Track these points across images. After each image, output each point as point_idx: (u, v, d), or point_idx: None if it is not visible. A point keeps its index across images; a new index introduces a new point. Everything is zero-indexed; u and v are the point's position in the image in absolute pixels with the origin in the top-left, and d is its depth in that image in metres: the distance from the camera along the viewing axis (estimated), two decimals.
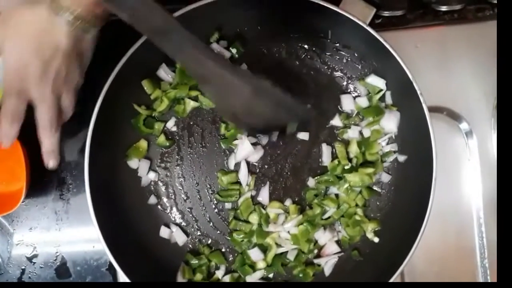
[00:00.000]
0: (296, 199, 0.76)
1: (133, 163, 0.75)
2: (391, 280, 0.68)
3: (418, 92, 0.66)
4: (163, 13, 0.53)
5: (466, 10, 0.80)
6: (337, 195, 0.75)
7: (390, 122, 0.73)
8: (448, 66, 0.79)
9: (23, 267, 0.78)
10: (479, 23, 0.80)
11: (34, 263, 0.78)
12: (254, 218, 0.74)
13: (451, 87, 0.79)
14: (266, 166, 0.76)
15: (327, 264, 0.75)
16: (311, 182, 0.75)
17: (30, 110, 0.77)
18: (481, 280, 0.78)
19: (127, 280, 0.66)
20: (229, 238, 0.75)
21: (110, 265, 0.78)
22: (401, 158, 0.75)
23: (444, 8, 0.79)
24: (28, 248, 0.79)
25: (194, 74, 0.61)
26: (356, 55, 0.75)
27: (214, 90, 0.60)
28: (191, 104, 0.75)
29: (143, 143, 0.75)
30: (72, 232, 0.79)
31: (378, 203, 0.76)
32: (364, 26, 0.66)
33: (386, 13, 0.78)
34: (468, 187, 0.79)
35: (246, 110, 0.60)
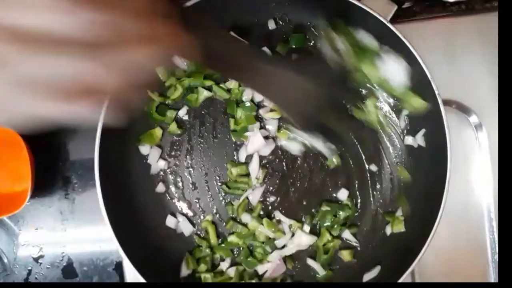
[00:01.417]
0: (308, 203, 0.75)
1: (144, 149, 0.74)
2: (403, 278, 0.66)
3: (436, 93, 0.65)
4: None
5: (474, 1, 0.79)
6: None
7: (396, 71, 0.70)
8: (456, 58, 0.78)
9: (29, 268, 0.78)
10: (487, 14, 0.78)
11: (41, 263, 0.78)
12: (247, 219, 0.73)
13: (460, 80, 0.77)
14: (277, 160, 0.75)
15: None
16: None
17: None
18: (492, 275, 0.77)
19: (134, 279, 0.66)
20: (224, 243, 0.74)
21: (117, 265, 0.78)
22: (409, 140, 0.74)
23: (451, 0, 0.78)
24: (34, 248, 0.78)
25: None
26: None
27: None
28: (204, 94, 0.74)
29: (158, 131, 0.74)
30: (78, 232, 0.78)
31: (391, 198, 0.75)
32: (385, 22, 0.65)
33: None
34: (478, 181, 0.78)
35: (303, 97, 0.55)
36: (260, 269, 0.73)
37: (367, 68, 0.71)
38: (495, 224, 0.76)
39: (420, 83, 0.67)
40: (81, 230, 0.78)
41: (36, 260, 0.78)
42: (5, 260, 0.78)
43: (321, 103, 0.58)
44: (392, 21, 0.76)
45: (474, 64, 0.78)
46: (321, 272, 0.74)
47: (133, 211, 0.72)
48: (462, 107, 0.77)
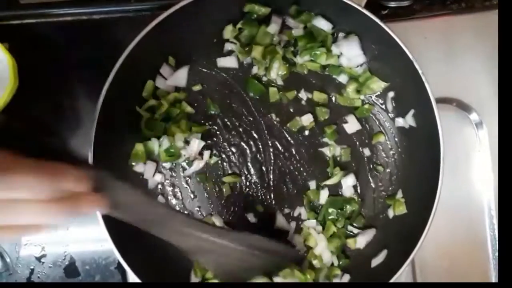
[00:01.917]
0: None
1: (138, 167, 0.74)
2: (400, 270, 0.67)
3: (420, 72, 0.65)
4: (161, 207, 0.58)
5: None
6: None
7: (351, 51, 0.72)
8: (456, 56, 0.78)
9: (32, 267, 0.78)
10: (487, 12, 0.79)
11: (43, 262, 0.78)
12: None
13: (460, 78, 0.78)
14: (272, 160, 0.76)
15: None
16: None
17: (35, 108, 0.77)
18: (492, 272, 0.77)
19: (136, 278, 0.66)
20: None
21: (119, 263, 0.77)
22: (400, 122, 0.74)
23: None
24: (36, 248, 0.78)
25: (190, 248, 0.60)
26: None
27: (212, 259, 0.62)
28: (187, 109, 0.75)
29: (139, 146, 0.73)
30: (80, 231, 0.78)
31: (390, 181, 0.76)
32: (360, 8, 0.65)
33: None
34: (479, 179, 0.78)
35: (242, 266, 0.64)
36: None
37: (318, 57, 0.73)
38: (495, 221, 0.77)
39: (401, 63, 0.67)
40: (83, 229, 0.78)
41: (38, 259, 0.78)
42: (8, 260, 0.78)
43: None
44: (392, 19, 0.77)
45: (474, 62, 0.78)
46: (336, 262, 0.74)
47: (136, 227, 0.72)
48: (462, 104, 0.78)
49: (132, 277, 0.75)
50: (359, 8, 0.66)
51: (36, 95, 0.77)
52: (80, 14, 0.79)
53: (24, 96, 0.73)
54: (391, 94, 0.74)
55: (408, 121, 0.73)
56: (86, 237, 0.78)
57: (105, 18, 0.79)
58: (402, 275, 0.67)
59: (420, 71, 0.65)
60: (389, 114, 0.75)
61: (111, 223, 0.65)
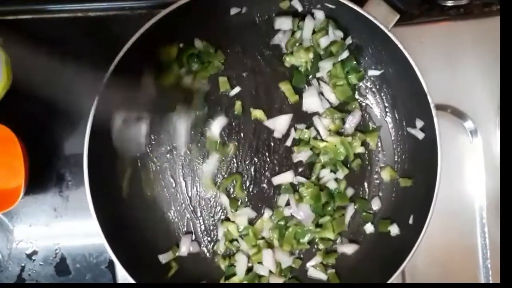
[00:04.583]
0: None
1: None
2: (391, 279, 0.67)
3: (431, 106, 0.66)
4: None
5: (473, 5, 0.78)
6: None
7: None
8: (453, 62, 0.77)
9: (22, 264, 0.78)
10: (485, 19, 0.78)
11: (34, 260, 0.78)
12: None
13: (456, 84, 0.77)
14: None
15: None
16: None
17: (29, 106, 0.77)
18: (483, 281, 0.77)
19: (125, 276, 0.66)
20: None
21: (110, 262, 0.78)
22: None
23: (450, 3, 0.77)
24: (27, 245, 0.78)
25: None
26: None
27: None
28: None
29: None
30: (71, 229, 0.78)
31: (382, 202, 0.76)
32: (386, 31, 0.66)
33: (450, 3, 0.77)
34: (472, 187, 0.78)
35: None
36: None
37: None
38: (487, 229, 0.77)
39: (415, 91, 0.68)
40: (75, 227, 0.78)
41: (29, 256, 0.78)
42: None
43: None
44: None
45: (472, 69, 0.77)
46: None
47: (129, 218, 0.74)
48: (457, 112, 0.77)
49: (122, 276, 0.76)
50: (388, 33, 0.67)
51: (30, 92, 0.77)
52: (75, 11, 0.78)
53: (18, 93, 0.73)
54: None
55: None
56: (77, 235, 0.78)
57: (100, 16, 0.78)
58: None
59: (432, 105, 0.66)
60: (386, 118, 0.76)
61: (104, 217, 0.67)
